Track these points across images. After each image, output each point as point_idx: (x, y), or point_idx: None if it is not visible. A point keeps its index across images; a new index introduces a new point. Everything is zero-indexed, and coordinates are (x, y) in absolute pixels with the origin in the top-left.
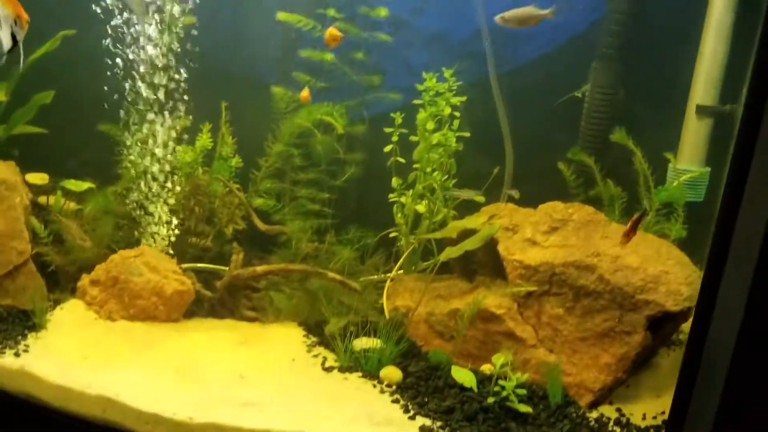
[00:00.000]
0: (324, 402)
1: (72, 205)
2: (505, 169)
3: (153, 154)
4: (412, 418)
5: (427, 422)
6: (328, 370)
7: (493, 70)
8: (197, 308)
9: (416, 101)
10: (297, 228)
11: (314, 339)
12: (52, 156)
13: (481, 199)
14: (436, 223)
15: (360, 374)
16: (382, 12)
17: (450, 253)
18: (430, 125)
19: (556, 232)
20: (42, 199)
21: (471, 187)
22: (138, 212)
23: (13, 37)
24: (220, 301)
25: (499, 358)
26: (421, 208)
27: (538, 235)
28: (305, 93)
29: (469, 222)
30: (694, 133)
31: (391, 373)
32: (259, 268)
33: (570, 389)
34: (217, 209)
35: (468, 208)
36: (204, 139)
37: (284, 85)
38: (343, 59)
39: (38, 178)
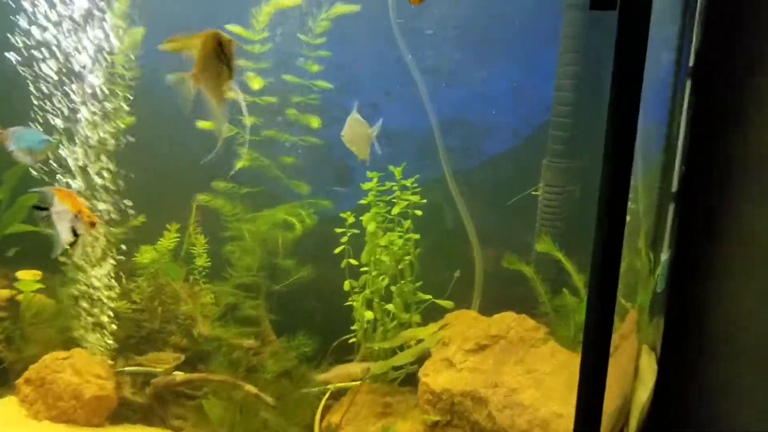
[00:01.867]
0: None
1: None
2: (475, 270)
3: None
4: None
5: None
6: None
7: (448, 168)
8: (132, 413)
9: (362, 200)
10: (232, 334)
11: None
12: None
13: (450, 304)
14: (397, 329)
15: None
16: (315, 123)
17: (379, 367)
18: (372, 227)
19: (483, 351)
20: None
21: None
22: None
23: (75, 230)
24: (149, 407)
25: None
26: (369, 314)
27: (459, 354)
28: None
29: (420, 332)
30: None
31: None
32: (179, 377)
33: None
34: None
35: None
36: (167, 240)
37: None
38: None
39: (30, 274)
